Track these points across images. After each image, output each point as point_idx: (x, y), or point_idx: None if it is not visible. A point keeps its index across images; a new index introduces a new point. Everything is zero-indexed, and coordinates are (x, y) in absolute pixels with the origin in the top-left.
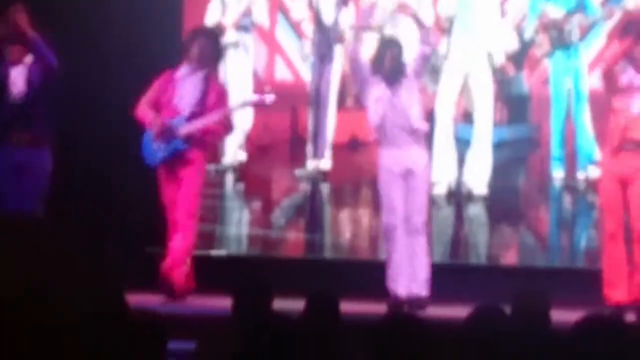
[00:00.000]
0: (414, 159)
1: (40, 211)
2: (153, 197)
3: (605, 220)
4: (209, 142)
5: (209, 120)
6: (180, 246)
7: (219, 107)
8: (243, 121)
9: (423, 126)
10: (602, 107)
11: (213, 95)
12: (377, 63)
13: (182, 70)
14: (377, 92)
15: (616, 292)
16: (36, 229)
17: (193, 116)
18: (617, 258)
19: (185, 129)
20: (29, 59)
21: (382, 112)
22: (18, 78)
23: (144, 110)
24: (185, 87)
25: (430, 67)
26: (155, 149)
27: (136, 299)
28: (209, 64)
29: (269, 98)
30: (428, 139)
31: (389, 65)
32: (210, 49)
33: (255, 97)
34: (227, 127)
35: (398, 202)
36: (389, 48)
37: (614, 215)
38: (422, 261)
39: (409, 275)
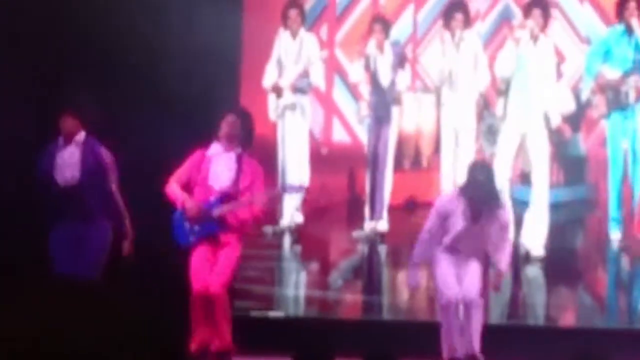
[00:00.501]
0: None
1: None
2: None
3: None
4: (244, 224)
5: (243, 202)
6: (226, 322)
7: (253, 187)
8: (300, 183)
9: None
10: None
11: (247, 175)
12: (468, 189)
13: (214, 149)
14: (460, 224)
15: None
16: (93, 292)
17: (227, 196)
18: None
19: (219, 211)
20: (81, 136)
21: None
22: (72, 156)
23: (174, 189)
24: (218, 166)
25: (487, 128)
26: (187, 230)
27: None
28: (240, 143)
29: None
30: None
31: (479, 196)
32: (241, 128)
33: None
34: (262, 209)
35: (452, 277)
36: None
37: None
38: (478, 330)
39: (465, 341)
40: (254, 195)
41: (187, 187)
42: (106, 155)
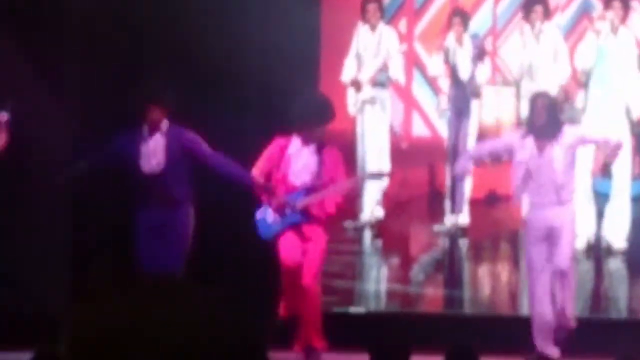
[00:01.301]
0: (559, 219)
1: (182, 270)
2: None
3: None
4: (328, 214)
5: (326, 193)
6: (315, 310)
7: (335, 177)
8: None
9: (570, 184)
10: None
11: (328, 166)
12: (529, 120)
13: (294, 145)
14: (524, 154)
15: None
16: (180, 291)
17: (311, 189)
18: None
19: (302, 202)
20: (165, 125)
21: (528, 175)
22: (157, 144)
23: (257, 182)
24: (299, 161)
25: (568, 121)
26: (271, 223)
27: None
28: (319, 135)
29: (384, 174)
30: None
31: (541, 120)
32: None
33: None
34: (344, 197)
35: (540, 263)
36: (540, 100)
37: None
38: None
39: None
40: (335, 184)
41: (268, 179)
42: (192, 137)
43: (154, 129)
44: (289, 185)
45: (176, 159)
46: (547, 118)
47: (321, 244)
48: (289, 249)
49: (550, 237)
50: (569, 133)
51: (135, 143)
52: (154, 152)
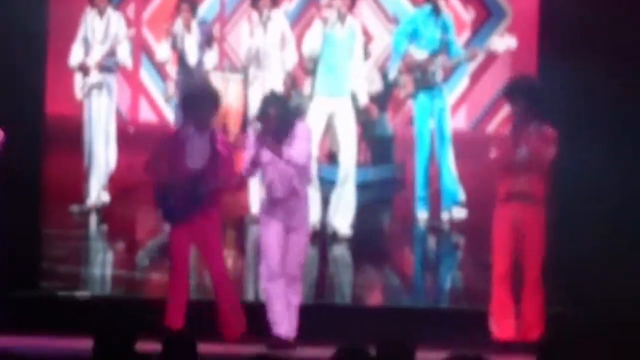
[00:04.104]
0: (295, 215)
1: None
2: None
3: (495, 262)
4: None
5: (224, 180)
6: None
7: (229, 164)
8: (107, 162)
9: (304, 188)
10: (464, 147)
11: (223, 153)
12: (263, 122)
13: (186, 131)
14: (266, 156)
15: (503, 330)
16: None
17: (205, 175)
18: (504, 298)
19: (202, 189)
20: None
21: (271, 175)
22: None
23: (156, 170)
24: (194, 147)
25: (295, 108)
26: (173, 208)
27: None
28: (210, 122)
29: None
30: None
31: (273, 124)
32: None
33: None
34: (240, 184)
35: (277, 251)
36: (270, 105)
37: (505, 258)
38: (296, 309)
39: (289, 320)
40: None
41: (164, 168)
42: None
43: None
44: (186, 169)
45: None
46: (279, 121)
47: (220, 228)
48: (182, 241)
49: (289, 230)
50: (301, 129)
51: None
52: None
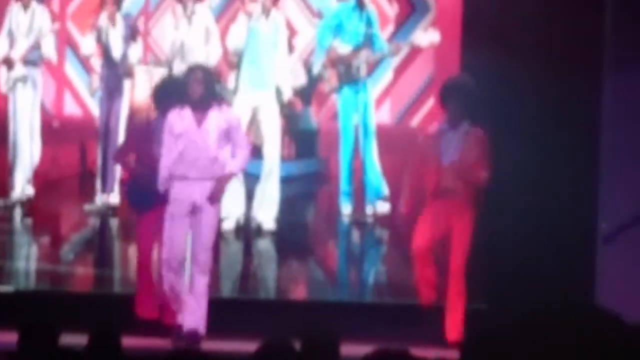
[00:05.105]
0: (203, 193)
1: None
2: None
3: (415, 242)
4: None
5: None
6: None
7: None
8: (31, 155)
9: (222, 159)
10: (389, 142)
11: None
12: (185, 92)
13: (157, 122)
14: (180, 126)
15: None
16: None
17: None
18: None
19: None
20: None
21: (183, 145)
22: None
23: (126, 159)
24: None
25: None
26: (143, 196)
27: None
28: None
29: None
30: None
31: (197, 93)
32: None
33: None
34: None
35: (181, 239)
36: (194, 74)
37: (425, 239)
38: (204, 300)
39: (193, 311)
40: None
41: (133, 155)
42: None
43: None
44: (154, 159)
45: None
46: (203, 90)
47: None
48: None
49: (194, 212)
50: (225, 111)
51: None
52: None
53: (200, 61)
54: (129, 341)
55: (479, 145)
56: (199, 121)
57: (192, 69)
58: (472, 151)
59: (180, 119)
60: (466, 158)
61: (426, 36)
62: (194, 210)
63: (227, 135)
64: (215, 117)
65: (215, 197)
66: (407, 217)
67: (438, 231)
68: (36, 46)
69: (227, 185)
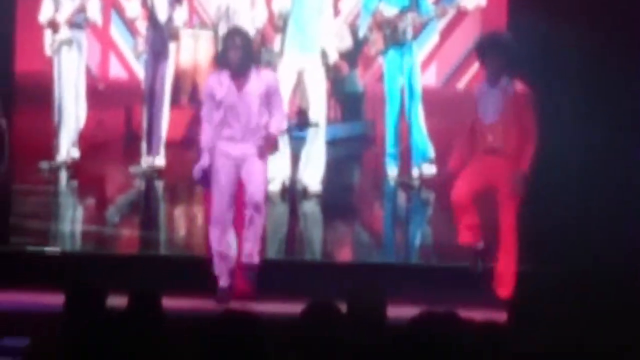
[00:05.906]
0: (247, 152)
1: None
2: None
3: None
4: None
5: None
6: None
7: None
8: (77, 118)
9: (264, 122)
10: (435, 104)
11: None
12: (222, 55)
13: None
14: (220, 92)
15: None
16: None
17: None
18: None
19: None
20: None
21: (224, 110)
22: None
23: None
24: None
25: (265, 65)
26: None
27: None
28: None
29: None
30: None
31: (235, 56)
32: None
33: None
34: None
35: (227, 194)
36: (233, 38)
37: (469, 189)
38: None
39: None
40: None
41: None
42: None
43: None
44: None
45: None
46: (242, 56)
47: None
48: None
49: (241, 166)
50: (263, 75)
51: None
52: None
53: (241, 25)
54: (172, 302)
55: (520, 102)
56: (239, 86)
57: (231, 35)
58: (513, 108)
59: (219, 84)
60: (507, 116)
61: None
62: (240, 165)
63: (267, 99)
64: (255, 82)
65: (260, 155)
66: (453, 178)
67: (479, 184)
68: (81, 9)
69: (270, 147)
